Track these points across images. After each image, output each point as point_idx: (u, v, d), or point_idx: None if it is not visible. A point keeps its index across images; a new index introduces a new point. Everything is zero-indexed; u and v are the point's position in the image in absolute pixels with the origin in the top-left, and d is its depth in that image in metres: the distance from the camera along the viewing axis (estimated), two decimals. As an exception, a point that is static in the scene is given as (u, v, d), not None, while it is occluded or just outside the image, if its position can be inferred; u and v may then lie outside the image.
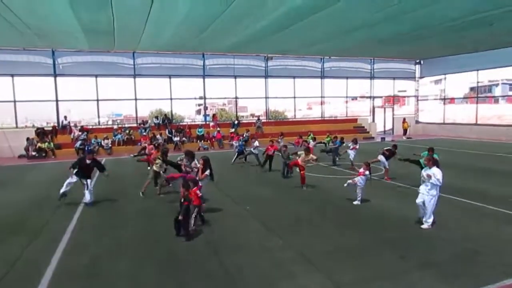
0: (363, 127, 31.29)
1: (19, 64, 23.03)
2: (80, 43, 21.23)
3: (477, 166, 15.38)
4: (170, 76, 26.69)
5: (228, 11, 14.75)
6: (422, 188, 7.50)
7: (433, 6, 14.83)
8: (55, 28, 17.37)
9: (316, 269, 5.75)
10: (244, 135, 22.70)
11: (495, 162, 16.48)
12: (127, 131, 24.30)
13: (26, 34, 18.08)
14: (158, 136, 23.28)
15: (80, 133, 23.23)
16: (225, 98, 31.96)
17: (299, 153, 12.15)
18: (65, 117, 24.40)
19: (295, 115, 31.73)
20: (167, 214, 8.18)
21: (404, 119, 31.99)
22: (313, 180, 12.43)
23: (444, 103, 33.33)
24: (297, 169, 11.89)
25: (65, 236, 7.41)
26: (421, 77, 34.39)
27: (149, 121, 26.57)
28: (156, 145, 15.44)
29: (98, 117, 26.25)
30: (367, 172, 9.44)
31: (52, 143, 22.00)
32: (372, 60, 32.22)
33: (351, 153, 15.11)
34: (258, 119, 28.62)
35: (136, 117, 26.89)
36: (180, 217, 7.04)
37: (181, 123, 27.95)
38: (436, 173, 7.27)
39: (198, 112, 31.14)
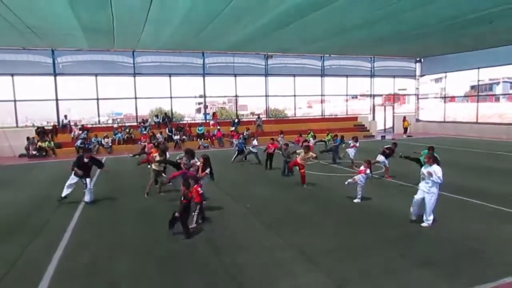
0: (363, 125, 31.26)
1: (19, 63, 23.02)
2: (80, 42, 21.21)
3: (478, 165, 15.37)
4: (170, 75, 26.67)
5: (227, 9, 14.73)
6: (422, 185, 7.49)
7: (432, 5, 14.81)
8: (54, 27, 17.36)
9: (316, 267, 5.75)
10: (245, 134, 22.71)
11: (496, 160, 16.47)
12: (127, 130, 24.30)
13: (26, 33, 18.06)
14: (158, 135, 23.27)
15: (80, 132, 23.25)
16: (225, 96, 31.91)
17: (298, 151, 12.13)
18: (65, 116, 24.39)
19: (295, 114, 31.71)
20: (167, 212, 8.17)
21: (405, 117, 31.99)
22: (313, 179, 12.43)
23: (445, 102, 33.29)
24: (297, 168, 11.88)
25: (65, 235, 7.41)
26: (421, 75, 34.35)
27: (149, 120, 26.56)
28: (155, 144, 15.43)
29: (98, 116, 26.25)
30: (368, 171, 9.44)
31: (52, 142, 22.01)
32: (373, 58, 32.18)
33: (351, 151, 15.10)
34: (258, 117, 28.62)
35: (136, 116, 26.89)
36: (176, 214, 7.05)
37: (181, 122, 27.94)
38: (436, 170, 7.26)
39: (198, 110, 31.13)
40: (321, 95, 31.64)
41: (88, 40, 20.61)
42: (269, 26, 18.00)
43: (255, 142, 16.34)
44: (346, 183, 9.67)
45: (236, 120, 27.60)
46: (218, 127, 26.06)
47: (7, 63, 22.72)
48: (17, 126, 23.64)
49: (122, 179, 13.60)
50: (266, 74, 29.25)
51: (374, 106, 33.58)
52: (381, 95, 34.33)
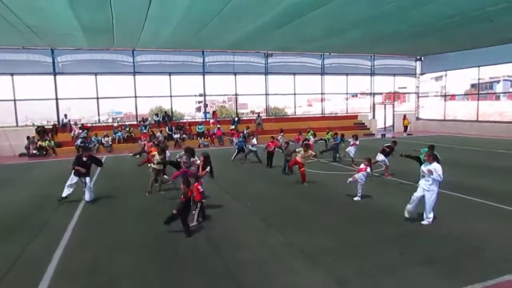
0: (364, 123, 31.24)
1: (19, 63, 23.01)
2: (79, 42, 21.19)
3: (478, 163, 15.36)
4: (170, 74, 26.66)
5: (227, 8, 14.72)
6: (422, 183, 7.48)
7: (432, 3, 14.80)
8: (54, 27, 17.35)
9: (317, 265, 5.76)
10: (245, 132, 22.69)
11: (496, 158, 16.45)
12: (127, 129, 24.29)
13: (26, 33, 18.06)
14: (158, 133, 23.28)
15: (80, 131, 23.26)
16: (225, 95, 31.90)
17: (297, 150, 12.11)
18: (65, 115, 24.40)
19: (295, 112, 31.70)
20: (167, 211, 8.16)
21: (405, 115, 31.99)
22: (313, 177, 12.43)
23: (445, 100, 33.27)
24: (297, 166, 11.86)
25: (66, 234, 7.42)
26: (421, 74, 34.32)
27: (149, 119, 26.55)
28: (155, 142, 15.42)
29: (98, 115, 26.24)
30: (368, 169, 9.43)
31: (52, 141, 22.01)
32: (373, 57, 32.15)
33: (352, 150, 15.08)
34: (258, 116, 28.60)
35: (136, 114, 26.88)
36: (174, 211, 7.06)
37: (181, 120, 27.93)
38: (437, 168, 7.26)
39: (198, 109, 31.12)
40: (321, 94, 31.63)
41: (88, 40, 20.60)
42: (269, 25, 17.99)
43: (254, 141, 16.34)
44: (347, 182, 9.67)
45: (236, 119, 27.59)
46: (218, 125, 26.05)
47: (7, 63, 22.71)
48: (17, 126, 23.64)
49: (122, 178, 13.61)
50: (266, 73, 29.23)
51: (374, 105, 33.55)
52: (381, 94, 34.28)
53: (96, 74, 24.94)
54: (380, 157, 12.54)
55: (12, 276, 5.68)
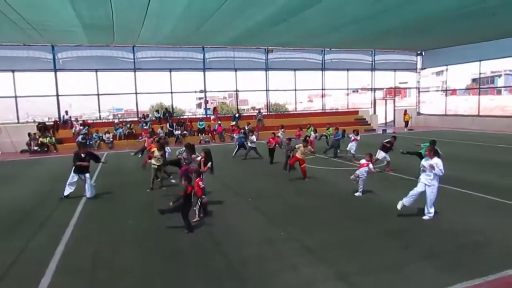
0: (364, 119, 31.21)
1: (20, 59, 23.00)
2: (80, 38, 21.16)
3: (479, 158, 15.34)
4: (170, 70, 26.61)
5: (227, 4, 14.67)
6: (423, 178, 7.47)
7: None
8: (54, 23, 17.31)
9: (319, 260, 5.77)
10: (246, 128, 22.70)
11: (498, 153, 16.44)
12: (128, 125, 24.32)
13: (26, 30, 18.04)
14: (159, 130, 23.30)
15: (81, 127, 23.28)
16: (225, 91, 31.90)
17: (297, 146, 12.07)
18: (66, 112, 24.43)
19: (296, 108, 31.66)
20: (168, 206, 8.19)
21: (406, 111, 31.94)
22: (314, 173, 12.44)
23: (446, 95, 33.18)
24: (298, 163, 11.83)
25: (67, 230, 7.44)
26: (422, 69, 34.22)
27: (150, 115, 26.56)
28: (155, 139, 15.42)
29: (99, 111, 26.26)
30: (371, 165, 9.41)
31: (53, 138, 22.07)
32: (373, 52, 32.05)
33: (353, 146, 15.03)
34: (259, 112, 28.58)
35: (137, 111, 26.86)
36: (170, 203, 7.23)
37: (182, 117, 27.93)
38: (438, 163, 7.26)
39: (199, 105, 31.10)
40: (322, 89, 31.57)
41: (88, 36, 20.56)
42: (269, 21, 17.94)
43: (253, 138, 16.32)
44: (351, 178, 9.65)
45: (237, 115, 27.57)
46: (219, 122, 26.04)
47: (7, 59, 22.72)
48: (18, 122, 23.66)
49: (124, 174, 13.64)
50: (267, 69, 29.17)
51: (375, 100, 33.48)
52: (382, 89, 34.22)
53: (96, 70, 24.91)
54: (381, 154, 12.51)
55: (14, 271, 5.70)
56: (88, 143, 21.71)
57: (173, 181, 11.34)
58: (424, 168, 7.45)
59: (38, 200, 9.99)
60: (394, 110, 33.67)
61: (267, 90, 29.88)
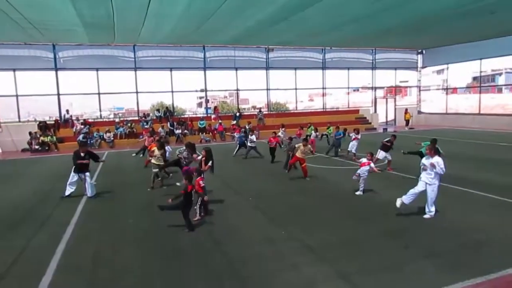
0: (365, 118, 31.19)
1: (21, 58, 23.05)
2: (81, 37, 21.20)
3: (480, 156, 15.32)
4: (171, 69, 26.63)
5: (227, 2, 14.66)
6: (424, 177, 7.45)
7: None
8: (55, 22, 17.34)
9: (319, 259, 5.76)
10: (246, 127, 22.69)
11: (499, 151, 16.42)
12: (129, 124, 24.33)
13: (28, 29, 18.06)
14: (160, 129, 23.31)
15: (82, 126, 23.31)
16: (226, 90, 31.90)
17: (297, 145, 12.03)
18: (67, 111, 24.46)
19: (296, 107, 31.65)
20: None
21: (406, 109, 31.93)
22: (315, 172, 12.43)
23: (447, 93, 33.15)
24: (299, 162, 11.81)
25: (68, 228, 7.45)
26: (423, 67, 34.20)
27: (151, 114, 26.58)
28: (155, 138, 15.43)
29: (100, 110, 26.29)
30: (372, 164, 9.39)
31: (54, 137, 22.09)
32: (374, 50, 32.02)
33: (354, 144, 15.00)
34: (260, 111, 28.58)
35: (138, 110, 26.89)
36: (169, 200, 7.22)
37: (182, 116, 27.93)
38: (439, 161, 7.24)
39: (200, 104, 31.10)
40: (323, 88, 31.56)
41: (89, 35, 20.58)
42: (269, 20, 17.95)
43: (253, 137, 16.30)
44: (353, 178, 9.63)
45: (238, 114, 27.56)
46: (220, 121, 26.05)
47: (9, 58, 22.77)
48: (19, 121, 23.70)
49: (124, 173, 13.64)
50: (267, 68, 29.16)
51: (375, 99, 33.47)
52: (382, 88, 34.20)
53: (97, 69, 24.94)
54: (381, 154, 12.48)
55: (15, 269, 5.71)
56: (89, 142, 21.75)
57: (178, 184, 11.27)
58: (425, 167, 7.43)
59: (39, 199, 10.00)
60: (395, 108, 33.65)
61: (267, 89, 29.87)
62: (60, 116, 24.46)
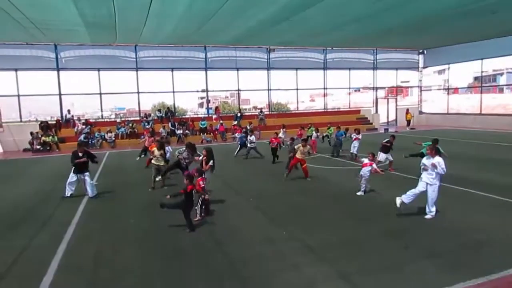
0: (366, 118, 31.17)
1: (23, 58, 23.11)
2: (82, 37, 21.25)
3: (481, 156, 15.30)
4: (172, 69, 26.65)
5: (228, 2, 14.68)
6: (425, 177, 7.44)
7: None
8: (57, 22, 17.38)
9: (320, 260, 5.76)
10: (247, 127, 22.70)
11: (500, 151, 16.41)
12: (130, 125, 24.37)
13: (30, 29, 18.11)
14: (161, 129, 23.33)
15: (83, 126, 23.35)
16: (227, 90, 31.94)
17: (296, 146, 12.01)
18: (69, 111, 24.50)
19: (297, 107, 31.65)
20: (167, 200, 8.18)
21: (408, 110, 31.89)
22: (316, 172, 12.42)
23: (448, 93, 33.12)
24: (299, 163, 11.80)
25: (70, 228, 7.46)
26: (424, 67, 34.16)
27: (152, 115, 26.60)
28: (155, 138, 15.45)
29: (101, 110, 26.34)
30: (374, 165, 9.38)
31: (56, 137, 22.13)
32: (375, 51, 32.00)
33: (355, 144, 14.96)
34: (261, 111, 28.58)
35: (139, 110, 26.92)
36: (168, 196, 7.32)
37: (184, 116, 27.96)
38: (440, 161, 7.24)
39: (201, 105, 31.12)
40: (324, 89, 31.55)
41: (91, 35, 20.62)
42: (271, 20, 17.97)
43: (252, 137, 16.29)
44: (356, 179, 9.61)
45: (239, 114, 27.57)
46: (221, 121, 26.05)
47: (10, 58, 22.83)
48: (21, 121, 23.75)
49: (125, 174, 13.66)
50: (269, 68, 29.16)
51: (377, 99, 33.44)
52: (384, 88, 34.16)
53: (99, 69, 24.98)
54: (382, 156, 12.43)
55: (16, 269, 5.72)
56: (90, 142, 21.80)
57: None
58: (425, 167, 7.42)
59: (41, 199, 10.02)
60: (396, 109, 33.63)
61: (269, 90, 29.86)
62: (62, 116, 24.50)
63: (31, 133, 21.51)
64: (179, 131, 24.31)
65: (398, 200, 7.59)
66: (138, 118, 26.11)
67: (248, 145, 16.10)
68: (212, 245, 6.48)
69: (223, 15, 16.53)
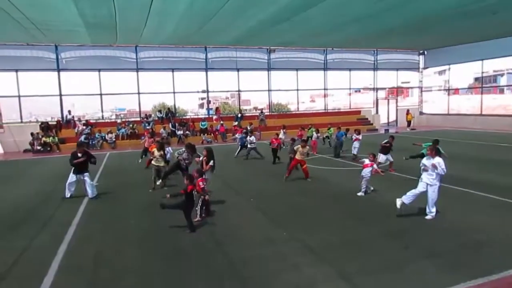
0: (367, 119, 31.17)
1: (23, 59, 23.13)
2: (83, 38, 21.26)
3: (482, 157, 15.30)
4: (172, 70, 26.67)
5: (229, 3, 14.69)
6: (425, 178, 7.44)
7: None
8: (58, 23, 17.40)
9: (320, 260, 5.76)
10: (248, 128, 22.70)
11: (500, 152, 16.40)
12: (131, 125, 24.39)
13: (30, 29, 18.14)
14: (161, 130, 23.34)
15: (84, 127, 23.37)
16: (228, 91, 31.96)
17: (295, 147, 12.00)
18: (69, 112, 24.52)
19: (298, 108, 31.65)
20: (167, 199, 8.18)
21: (408, 110, 31.87)
22: (316, 172, 12.42)
23: (449, 94, 33.11)
24: (299, 164, 11.79)
25: (70, 229, 7.47)
26: (425, 68, 34.16)
27: (153, 115, 26.62)
28: (155, 139, 15.44)
29: (102, 111, 26.36)
30: (375, 165, 9.37)
31: (56, 138, 22.15)
32: (376, 51, 32.00)
33: (355, 145, 14.95)
34: (261, 112, 28.59)
35: (140, 111, 26.94)
36: (167, 195, 7.36)
37: (184, 117, 27.98)
38: (440, 162, 7.24)
39: (201, 105, 31.15)
40: (324, 89, 31.55)
41: (91, 36, 20.64)
42: (271, 20, 17.97)
43: (252, 138, 16.28)
44: (359, 179, 9.61)
45: (239, 115, 27.59)
46: (221, 122, 26.07)
47: (11, 59, 22.85)
48: (21, 122, 23.77)
49: (126, 174, 13.66)
50: (269, 69, 29.17)
51: (377, 100, 33.44)
52: (384, 89, 34.16)
53: (99, 70, 25.00)
54: (382, 157, 12.40)
55: (17, 270, 5.73)
56: (90, 143, 21.82)
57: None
58: (425, 168, 7.42)
59: (41, 200, 10.03)
60: (397, 109, 33.63)
61: (269, 90, 29.87)
62: (62, 117, 24.52)
63: (32, 134, 21.53)
64: (180, 132, 24.33)
65: (398, 202, 7.59)
66: (138, 119, 26.12)
67: (248, 145, 16.10)
68: (212, 245, 6.48)
69: (224, 14, 16.54)
